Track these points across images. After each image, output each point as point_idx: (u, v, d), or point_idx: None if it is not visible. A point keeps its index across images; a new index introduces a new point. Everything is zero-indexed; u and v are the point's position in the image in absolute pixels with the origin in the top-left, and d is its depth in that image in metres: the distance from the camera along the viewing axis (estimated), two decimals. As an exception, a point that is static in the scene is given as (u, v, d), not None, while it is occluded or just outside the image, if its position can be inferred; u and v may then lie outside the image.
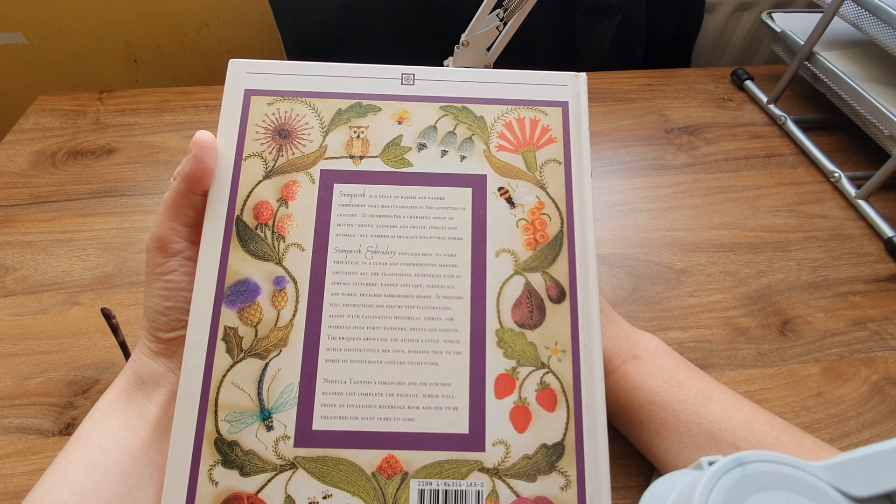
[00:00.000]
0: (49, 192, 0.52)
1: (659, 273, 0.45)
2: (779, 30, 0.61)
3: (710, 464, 0.18)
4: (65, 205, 0.50)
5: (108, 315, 0.33)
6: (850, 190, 0.51)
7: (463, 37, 0.45)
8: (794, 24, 0.61)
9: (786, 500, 0.16)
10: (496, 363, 0.25)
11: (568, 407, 0.24)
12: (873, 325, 0.41)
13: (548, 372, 0.25)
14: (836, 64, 0.54)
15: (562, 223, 0.27)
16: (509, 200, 0.27)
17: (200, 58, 0.80)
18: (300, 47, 0.71)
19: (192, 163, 0.25)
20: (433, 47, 0.53)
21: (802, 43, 0.56)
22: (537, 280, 0.26)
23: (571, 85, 0.29)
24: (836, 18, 0.51)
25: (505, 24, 0.45)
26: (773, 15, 0.63)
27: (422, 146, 0.28)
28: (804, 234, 0.48)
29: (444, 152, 0.28)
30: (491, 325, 0.25)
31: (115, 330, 0.33)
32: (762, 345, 0.40)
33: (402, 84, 0.29)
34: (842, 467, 0.17)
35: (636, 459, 0.32)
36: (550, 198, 0.27)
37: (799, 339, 0.40)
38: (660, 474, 0.31)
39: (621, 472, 0.32)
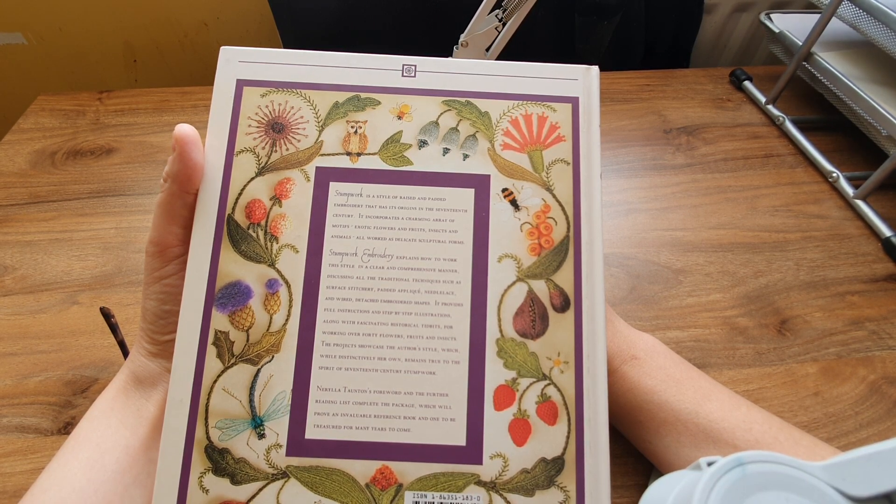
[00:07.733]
0: (48, 191, 0.51)
1: (657, 273, 0.45)
2: (777, 30, 0.61)
3: (709, 464, 0.18)
4: (64, 204, 0.50)
5: (107, 314, 0.33)
6: (849, 190, 0.51)
7: (462, 37, 0.45)
8: (793, 25, 0.61)
9: (785, 500, 0.16)
10: (496, 374, 0.24)
11: (569, 420, 0.24)
12: (871, 325, 0.41)
13: (549, 384, 0.24)
14: (834, 64, 0.54)
15: (568, 228, 0.26)
16: (514, 202, 0.26)
17: (200, 58, 0.80)
18: (299, 48, 0.70)
19: (177, 161, 0.24)
20: (433, 48, 0.53)
21: (800, 43, 0.56)
22: (541, 287, 0.25)
23: (583, 79, 0.27)
24: (834, 19, 0.51)
25: (504, 25, 0.45)
26: (771, 15, 0.63)
27: (422, 143, 0.26)
28: (802, 234, 0.48)
29: (446, 150, 0.26)
30: (491, 333, 0.24)
31: (114, 329, 0.33)
32: (760, 344, 0.40)
33: (402, 76, 0.27)
34: (841, 467, 0.17)
35: (635, 458, 0.33)
36: (557, 200, 0.26)
37: (797, 338, 0.40)
38: (658, 473, 0.31)
39: (620, 470, 0.32)
